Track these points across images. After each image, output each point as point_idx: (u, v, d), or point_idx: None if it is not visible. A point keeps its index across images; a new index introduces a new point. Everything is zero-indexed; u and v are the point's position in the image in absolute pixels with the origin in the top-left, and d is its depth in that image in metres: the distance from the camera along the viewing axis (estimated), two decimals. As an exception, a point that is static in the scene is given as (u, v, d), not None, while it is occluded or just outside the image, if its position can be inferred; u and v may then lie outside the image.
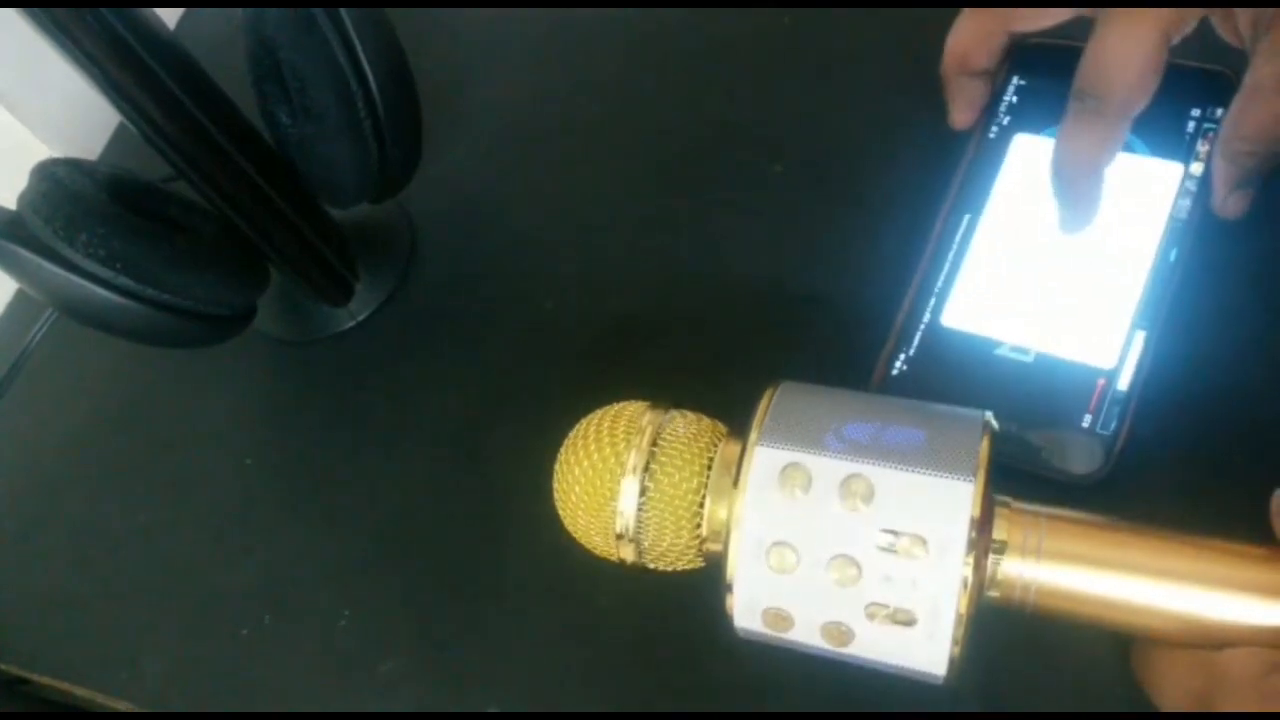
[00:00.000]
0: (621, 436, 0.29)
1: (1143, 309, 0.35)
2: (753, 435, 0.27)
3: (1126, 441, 0.33)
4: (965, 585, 0.24)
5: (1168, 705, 0.26)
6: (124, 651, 0.43)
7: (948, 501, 0.24)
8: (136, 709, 0.42)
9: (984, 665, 0.28)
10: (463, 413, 0.44)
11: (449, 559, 0.41)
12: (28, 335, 0.45)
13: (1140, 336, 0.35)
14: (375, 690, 0.39)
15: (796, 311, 0.42)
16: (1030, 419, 0.35)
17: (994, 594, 0.26)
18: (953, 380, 0.36)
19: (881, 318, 0.39)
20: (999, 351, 0.36)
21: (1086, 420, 0.34)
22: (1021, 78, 0.41)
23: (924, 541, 0.24)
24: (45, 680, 0.44)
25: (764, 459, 0.26)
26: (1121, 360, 0.35)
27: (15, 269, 0.38)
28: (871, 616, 0.25)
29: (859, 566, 0.25)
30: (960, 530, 0.24)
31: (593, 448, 0.29)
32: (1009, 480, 0.34)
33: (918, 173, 0.43)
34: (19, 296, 0.58)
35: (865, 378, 0.38)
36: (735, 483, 0.26)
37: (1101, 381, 0.35)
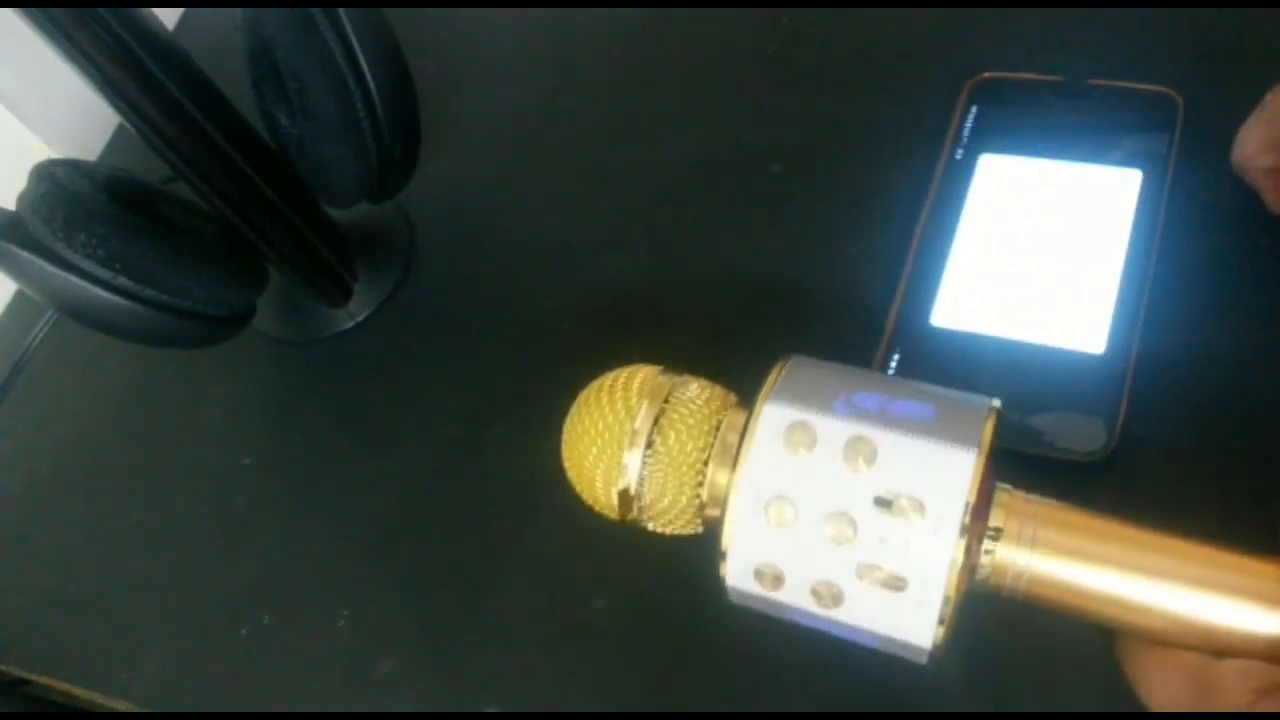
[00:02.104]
0: (635, 393, 0.29)
1: (1123, 296, 0.37)
2: (761, 396, 0.27)
3: (1127, 418, 0.35)
4: (956, 561, 0.24)
5: (1155, 706, 0.26)
6: (124, 651, 0.43)
7: (950, 469, 0.24)
8: (136, 709, 0.42)
9: (981, 664, 0.28)
10: (461, 412, 0.44)
11: (448, 559, 0.41)
12: (28, 336, 0.45)
13: (1125, 321, 0.36)
14: (375, 690, 0.39)
15: (794, 312, 0.42)
16: (1032, 405, 0.36)
17: (986, 578, 0.26)
18: (949, 376, 0.37)
19: (877, 318, 0.39)
20: (991, 346, 0.38)
21: (1086, 402, 0.35)
22: (979, 107, 0.43)
23: (922, 505, 0.24)
24: (46, 680, 0.44)
25: (772, 414, 0.26)
26: (1110, 344, 0.36)
27: (14, 270, 0.38)
28: (862, 577, 0.25)
29: (855, 524, 0.25)
30: (959, 499, 0.24)
31: (605, 401, 0.29)
32: (1018, 465, 0.34)
33: (914, 174, 0.43)
34: (19, 297, 0.58)
35: (864, 377, 0.38)
36: (740, 442, 0.26)
37: (1094, 365, 0.36)
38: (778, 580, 0.26)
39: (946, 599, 0.24)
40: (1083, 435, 0.35)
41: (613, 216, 0.47)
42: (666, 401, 0.29)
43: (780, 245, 0.44)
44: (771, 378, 0.27)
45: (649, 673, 0.36)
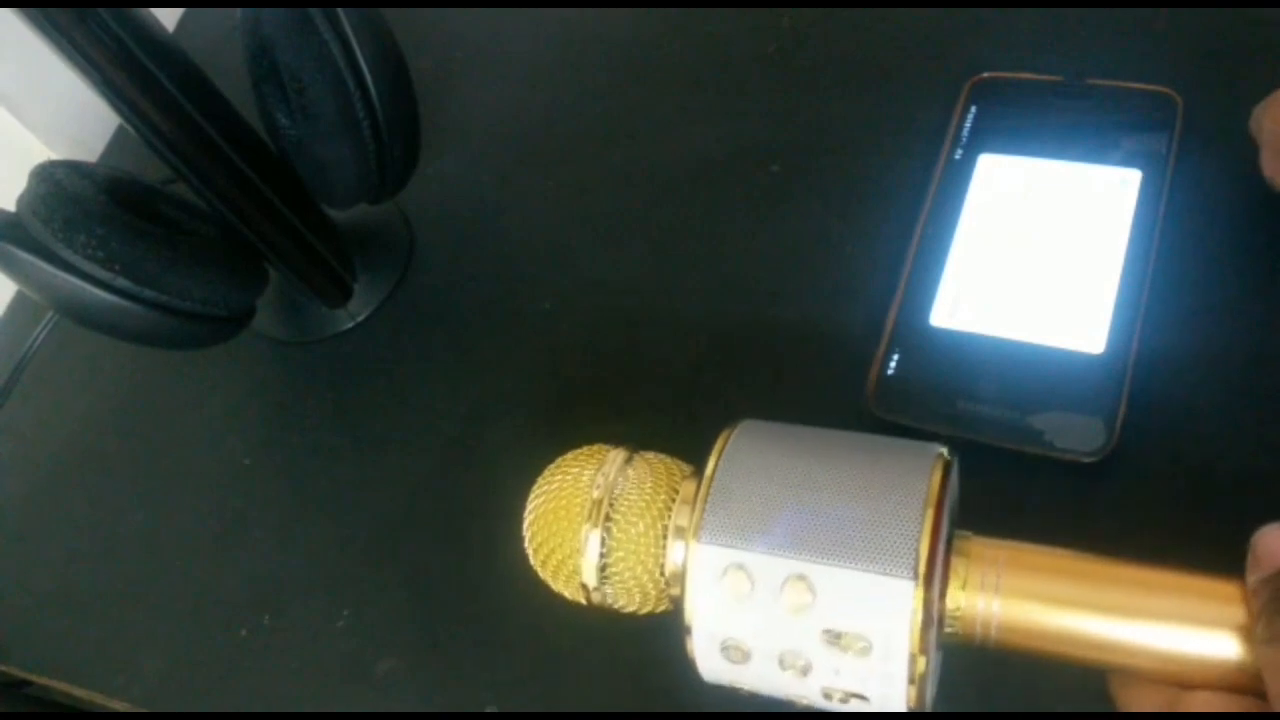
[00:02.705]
0: (577, 507, 0.29)
1: (1123, 296, 0.37)
2: (695, 520, 0.26)
3: (1126, 418, 0.35)
4: (913, 682, 0.24)
5: None
6: (124, 652, 0.43)
7: (888, 602, 0.24)
8: (136, 709, 0.42)
9: (974, 666, 0.28)
10: (461, 412, 0.44)
11: (448, 558, 0.41)
12: (28, 337, 0.45)
13: (1125, 321, 0.36)
14: (374, 690, 0.39)
15: (794, 312, 0.42)
16: (1031, 405, 0.36)
17: (954, 631, 0.26)
18: (948, 375, 0.37)
19: (877, 318, 0.39)
20: (990, 346, 0.37)
21: (1085, 402, 0.35)
22: (979, 107, 0.43)
23: (868, 641, 0.24)
24: (46, 681, 0.44)
25: (706, 559, 0.26)
26: (1110, 344, 0.36)
27: (14, 271, 0.38)
28: (828, 696, 0.26)
29: (809, 661, 0.25)
30: (902, 631, 0.24)
31: (549, 516, 0.29)
32: (1018, 465, 0.34)
33: (914, 174, 0.43)
34: (20, 298, 0.58)
35: (862, 379, 0.38)
36: (690, 536, 0.27)
37: (1094, 365, 0.36)
38: (753, 694, 0.27)
39: (910, 706, 0.25)
40: (1083, 435, 0.35)
41: (613, 216, 0.47)
42: (609, 519, 0.28)
43: (780, 245, 0.44)
44: (710, 466, 0.27)
45: (649, 671, 0.36)
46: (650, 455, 0.30)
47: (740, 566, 0.26)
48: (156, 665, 0.42)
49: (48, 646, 0.45)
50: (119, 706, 0.42)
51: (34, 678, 0.44)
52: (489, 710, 0.37)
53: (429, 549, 0.41)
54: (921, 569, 0.24)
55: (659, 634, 0.37)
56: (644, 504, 0.28)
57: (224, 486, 0.46)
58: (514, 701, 0.37)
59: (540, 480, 0.31)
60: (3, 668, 0.45)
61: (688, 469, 0.30)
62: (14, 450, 0.51)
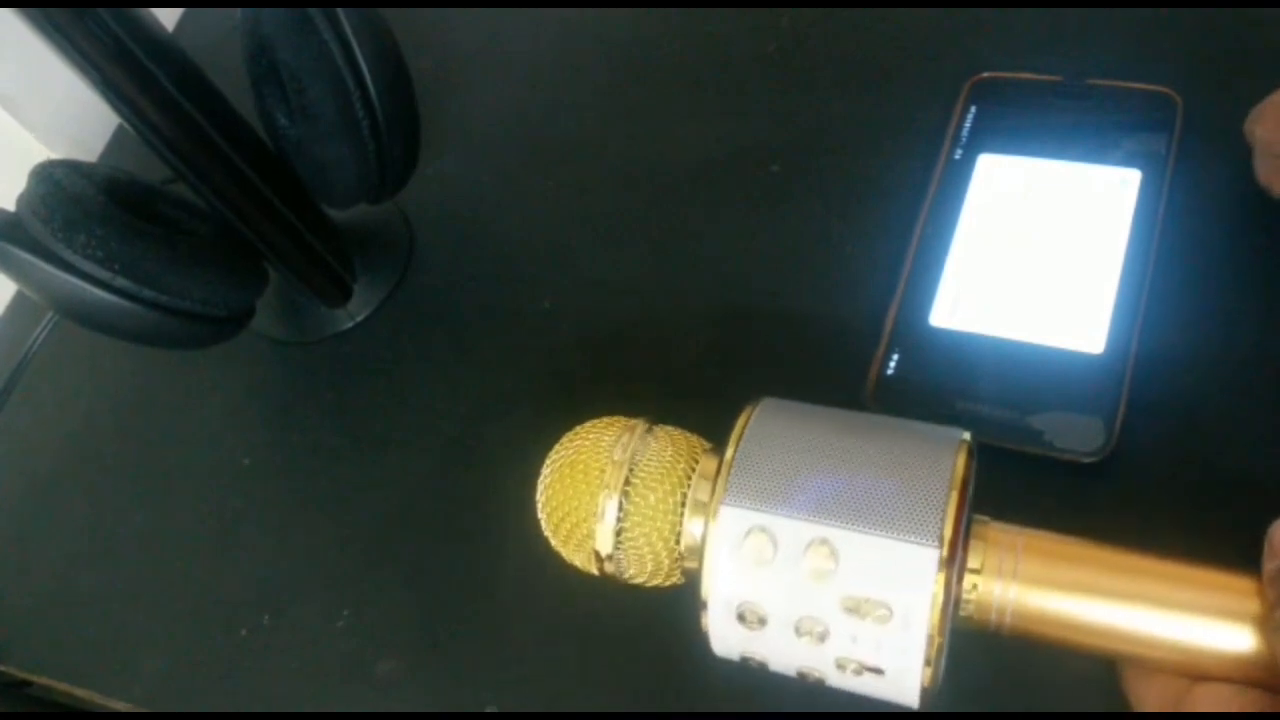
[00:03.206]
0: (596, 471, 0.29)
1: (1122, 296, 0.37)
2: (719, 487, 0.26)
3: (1126, 418, 0.35)
4: (929, 657, 0.24)
5: None
6: (124, 652, 0.43)
7: (912, 569, 0.24)
8: (136, 709, 0.42)
9: (975, 667, 0.28)
10: (460, 412, 0.44)
11: (448, 558, 0.41)
12: (28, 338, 0.45)
13: (1124, 321, 0.36)
14: (374, 690, 0.39)
15: (793, 312, 0.42)
16: (1031, 405, 0.36)
17: (970, 615, 0.26)
18: (947, 376, 0.37)
19: (877, 318, 0.39)
20: (990, 346, 0.37)
21: (1085, 402, 0.35)
22: (979, 107, 0.43)
23: (888, 608, 0.24)
24: (46, 681, 0.44)
25: (729, 520, 0.26)
26: (1109, 344, 0.36)
27: (14, 271, 0.38)
28: (841, 668, 0.26)
29: (826, 627, 0.25)
30: (924, 599, 0.24)
31: (566, 479, 0.29)
32: (1018, 465, 0.34)
33: (914, 174, 0.43)
34: (20, 298, 0.58)
35: (861, 378, 0.38)
36: (708, 511, 0.27)
37: (1093, 365, 0.36)
38: (761, 664, 0.27)
39: (924, 671, 0.25)
40: (1082, 435, 0.35)
41: (612, 216, 0.47)
42: (629, 484, 0.28)
43: (779, 245, 0.44)
44: (735, 436, 0.27)
45: (649, 671, 0.36)
46: (670, 428, 0.30)
47: (763, 529, 0.25)
48: (156, 665, 0.42)
49: (48, 646, 0.45)
50: (119, 706, 0.42)
51: (34, 678, 0.44)
52: (489, 710, 0.37)
53: (429, 548, 0.41)
54: (944, 549, 0.24)
55: (659, 631, 0.37)
56: (663, 472, 0.28)
57: (224, 486, 0.46)
58: (514, 701, 0.37)
59: (557, 446, 0.30)
60: (3, 668, 0.45)
61: (707, 444, 0.30)
62: (14, 450, 0.51)
